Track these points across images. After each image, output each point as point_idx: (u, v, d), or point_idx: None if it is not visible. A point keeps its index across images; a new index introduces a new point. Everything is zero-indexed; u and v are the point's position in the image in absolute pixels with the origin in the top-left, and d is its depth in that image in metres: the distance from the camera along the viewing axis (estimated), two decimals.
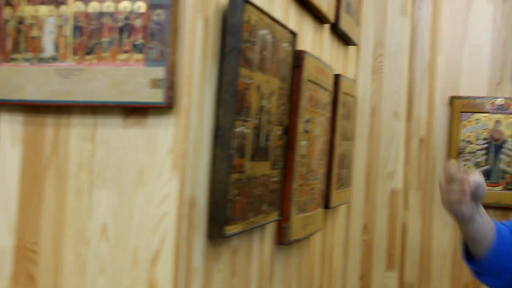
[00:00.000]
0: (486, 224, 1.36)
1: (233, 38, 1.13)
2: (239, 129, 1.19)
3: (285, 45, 1.41)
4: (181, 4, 1.01)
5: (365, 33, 2.43)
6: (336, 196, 2.12)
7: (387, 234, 2.48)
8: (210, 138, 1.15)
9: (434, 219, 2.67)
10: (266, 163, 1.37)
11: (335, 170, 2.07)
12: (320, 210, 1.92)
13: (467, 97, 2.59)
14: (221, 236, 1.17)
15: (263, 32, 1.24)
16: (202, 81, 1.10)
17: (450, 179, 1.28)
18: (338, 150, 2.09)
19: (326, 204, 2.03)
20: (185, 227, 1.07)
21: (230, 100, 1.14)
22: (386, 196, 2.47)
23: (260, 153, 1.33)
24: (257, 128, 1.28)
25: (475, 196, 1.28)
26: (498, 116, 2.56)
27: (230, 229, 1.20)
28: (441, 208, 2.68)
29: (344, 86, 2.06)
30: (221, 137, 1.15)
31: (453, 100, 2.61)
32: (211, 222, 1.17)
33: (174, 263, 1.05)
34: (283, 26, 1.38)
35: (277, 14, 1.42)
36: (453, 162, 1.30)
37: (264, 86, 1.29)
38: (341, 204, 2.30)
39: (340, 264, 2.45)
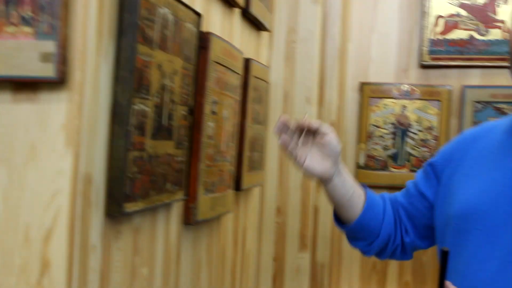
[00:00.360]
0: (349, 187, 1.37)
1: (130, 14, 1.12)
2: (138, 107, 1.18)
3: (189, 26, 1.41)
4: None
5: (277, 20, 2.47)
6: (247, 178, 2.14)
7: (300, 216, 2.53)
8: (107, 115, 1.14)
9: None
10: (169, 142, 1.38)
11: (246, 153, 2.10)
12: (230, 192, 1.94)
13: (376, 83, 2.68)
14: (121, 214, 1.17)
15: (163, 10, 1.24)
16: (98, 57, 1.09)
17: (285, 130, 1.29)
18: (249, 133, 2.11)
19: (238, 186, 2.06)
20: (80, 204, 1.06)
21: (127, 76, 1.14)
22: (298, 179, 2.53)
23: (162, 132, 1.33)
24: (158, 107, 1.28)
25: (327, 153, 1.29)
26: (404, 101, 2.67)
27: (130, 207, 1.20)
28: None
29: (255, 70, 2.08)
30: (118, 114, 1.15)
31: (362, 86, 2.69)
32: (109, 199, 1.16)
33: (68, 240, 1.04)
34: (187, 6, 1.38)
35: None
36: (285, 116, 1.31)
37: (166, 65, 1.30)
38: (254, 187, 2.33)
39: (254, 246, 2.49)
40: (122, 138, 1.15)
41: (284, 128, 1.29)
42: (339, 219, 1.44)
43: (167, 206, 1.49)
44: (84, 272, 1.10)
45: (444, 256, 1.08)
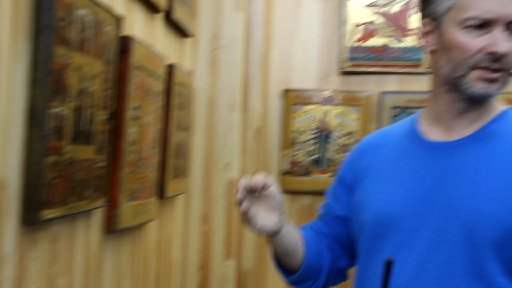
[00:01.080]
0: (293, 234, 1.36)
1: (46, 15, 1.10)
2: (55, 110, 1.15)
3: (110, 29, 1.39)
4: None
5: (201, 25, 2.47)
6: (171, 186, 2.13)
7: (225, 224, 2.54)
8: (23, 118, 1.11)
9: None
10: (89, 147, 1.35)
11: (171, 160, 2.09)
12: (154, 199, 1.92)
13: (298, 90, 2.73)
14: (37, 221, 1.14)
15: (82, 12, 1.22)
16: (12, 58, 1.05)
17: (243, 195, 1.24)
18: (173, 140, 2.10)
19: (161, 193, 2.04)
20: None
21: (44, 79, 1.11)
22: (223, 186, 2.53)
23: (82, 137, 1.30)
24: (77, 111, 1.26)
25: (273, 205, 1.27)
26: (326, 107, 2.73)
27: (47, 214, 1.16)
28: None
29: (178, 77, 2.08)
30: (35, 117, 1.11)
31: (285, 92, 2.74)
32: (25, 206, 1.12)
33: None
34: (106, 9, 1.36)
35: None
36: (245, 177, 1.27)
37: (85, 68, 1.27)
38: (178, 194, 2.32)
39: (179, 255, 2.47)
40: (38, 143, 1.11)
41: (245, 194, 1.25)
42: (282, 267, 1.41)
43: (87, 213, 1.45)
44: None
45: (388, 266, 1.11)
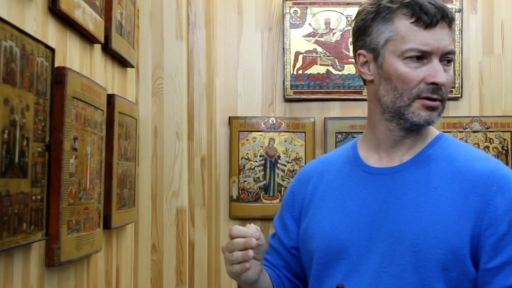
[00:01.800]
0: (267, 278, 1.37)
1: None
2: None
3: (41, 60, 1.37)
4: None
5: (143, 56, 2.46)
6: (117, 216, 2.09)
7: (176, 252, 2.50)
8: None
9: (220, 234, 2.78)
10: (24, 180, 1.31)
11: (115, 190, 2.05)
12: (99, 230, 1.87)
13: (244, 117, 2.75)
14: None
15: (7, 43, 1.19)
16: None
17: (232, 247, 1.23)
18: (117, 170, 2.07)
19: (107, 224, 2.00)
20: None
21: None
22: (172, 214, 2.50)
23: (14, 170, 1.26)
24: (7, 143, 1.22)
25: (258, 257, 1.26)
26: (271, 134, 2.75)
27: None
28: (225, 224, 2.81)
29: (120, 106, 2.06)
30: None
31: (231, 120, 2.75)
32: None
33: None
34: (37, 40, 1.34)
35: (30, 28, 1.38)
36: (237, 227, 1.25)
37: (15, 100, 1.24)
38: (126, 224, 2.28)
39: (128, 286, 2.42)
40: None
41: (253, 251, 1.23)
42: None
43: (25, 247, 1.41)
44: None
45: None
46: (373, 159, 1.36)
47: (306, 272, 1.41)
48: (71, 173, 1.59)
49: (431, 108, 1.27)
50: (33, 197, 1.36)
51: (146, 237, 2.49)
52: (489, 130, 2.73)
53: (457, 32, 2.74)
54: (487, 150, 2.70)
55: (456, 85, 2.75)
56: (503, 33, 2.80)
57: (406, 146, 1.34)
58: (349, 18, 2.76)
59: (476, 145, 2.71)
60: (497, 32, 2.80)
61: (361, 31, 1.33)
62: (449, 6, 2.72)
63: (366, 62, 1.33)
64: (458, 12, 2.75)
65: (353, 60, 2.78)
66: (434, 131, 1.38)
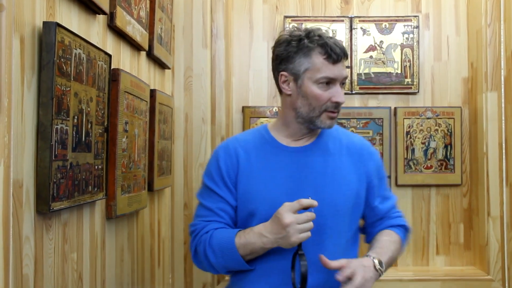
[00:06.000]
0: None
1: (48, 54, 1.09)
2: (59, 126, 1.15)
3: (101, 63, 1.39)
4: None
5: (177, 60, 2.47)
6: (158, 181, 2.12)
7: None
8: (34, 133, 1.10)
9: None
10: (89, 154, 1.34)
11: (156, 162, 2.08)
12: (144, 192, 1.90)
13: (254, 107, 2.75)
14: (49, 211, 1.13)
15: (77, 51, 1.22)
16: (22, 87, 1.04)
17: (306, 218, 1.27)
18: (157, 146, 2.09)
19: (150, 187, 2.03)
20: (12, 204, 1.01)
21: (48, 102, 1.10)
22: (199, 180, 2.48)
23: (82, 146, 1.29)
24: (77, 126, 1.25)
25: None
26: (274, 119, 2.74)
27: (56, 205, 1.16)
28: None
29: (160, 98, 2.07)
30: (42, 132, 1.11)
31: (244, 108, 2.75)
32: (38, 200, 1.11)
33: (4, 232, 0.98)
34: (98, 48, 1.36)
35: (93, 40, 1.40)
36: (303, 200, 1.28)
37: (82, 94, 1.27)
38: (164, 188, 2.31)
39: (167, 234, 2.46)
40: (46, 151, 1.11)
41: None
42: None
43: (91, 204, 1.44)
44: (19, 257, 1.05)
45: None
46: (284, 142, 1.45)
47: (237, 226, 1.44)
48: (123, 149, 1.62)
49: (332, 118, 1.40)
50: (96, 167, 1.40)
51: (179, 197, 2.51)
52: (438, 117, 2.73)
53: (414, 43, 2.74)
54: (436, 132, 2.72)
55: (414, 83, 2.74)
56: (448, 44, 2.81)
57: (308, 136, 1.46)
58: (334, 32, 2.75)
59: (428, 128, 2.72)
60: (444, 44, 2.81)
61: (284, 58, 1.41)
62: (408, 24, 2.74)
63: (286, 80, 1.42)
64: (416, 28, 2.74)
65: None
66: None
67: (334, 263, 1.28)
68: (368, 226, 1.52)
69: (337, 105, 1.38)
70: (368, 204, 1.48)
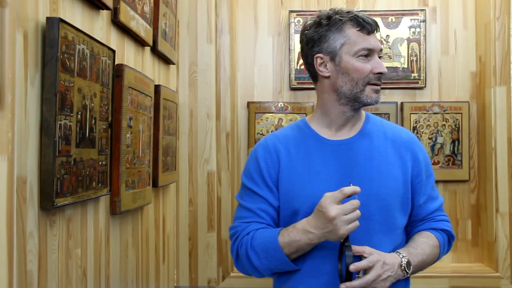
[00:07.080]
0: None
1: (52, 49, 1.09)
2: (62, 122, 1.15)
3: (105, 59, 1.39)
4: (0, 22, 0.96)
5: (182, 55, 2.47)
6: (163, 177, 2.13)
7: (207, 205, 2.54)
8: (37, 128, 1.10)
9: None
10: (93, 149, 1.35)
11: (161, 158, 2.08)
12: (149, 188, 1.91)
13: (259, 102, 2.75)
14: (52, 207, 1.13)
15: (81, 46, 1.22)
16: (25, 83, 1.05)
17: (352, 207, 1.21)
18: (162, 142, 2.10)
19: (155, 183, 2.03)
20: (16, 200, 1.02)
21: (51, 98, 1.10)
22: (204, 176, 2.53)
23: (86, 142, 1.30)
24: (80, 122, 1.26)
25: None
26: (280, 115, 2.75)
27: (60, 201, 1.16)
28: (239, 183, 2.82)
29: (164, 94, 2.08)
30: (46, 128, 1.11)
31: (249, 104, 2.75)
32: (42, 196, 1.12)
33: (8, 228, 0.99)
34: (102, 44, 1.36)
35: (97, 35, 1.40)
36: (346, 188, 1.22)
37: (85, 89, 1.27)
38: (169, 184, 2.31)
39: (172, 229, 2.47)
40: (49, 147, 1.11)
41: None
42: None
43: (95, 200, 1.45)
44: (23, 253, 1.06)
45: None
46: (326, 135, 1.39)
47: (280, 226, 1.38)
48: (127, 145, 1.63)
49: (377, 91, 1.35)
50: (100, 163, 1.40)
51: (184, 193, 2.52)
52: (446, 112, 2.71)
53: (421, 37, 2.72)
54: (443, 128, 2.70)
55: (421, 78, 2.73)
56: (456, 39, 2.78)
57: (350, 124, 1.40)
58: None
59: (436, 123, 2.71)
60: (451, 38, 2.78)
61: (317, 39, 1.36)
62: (415, 18, 2.72)
63: (323, 62, 1.36)
64: (423, 22, 2.72)
65: None
66: (362, 112, 1.45)
67: (357, 247, 1.25)
68: (408, 226, 1.42)
69: (380, 76, 1.33)
70: (412, 202, 1.38)
